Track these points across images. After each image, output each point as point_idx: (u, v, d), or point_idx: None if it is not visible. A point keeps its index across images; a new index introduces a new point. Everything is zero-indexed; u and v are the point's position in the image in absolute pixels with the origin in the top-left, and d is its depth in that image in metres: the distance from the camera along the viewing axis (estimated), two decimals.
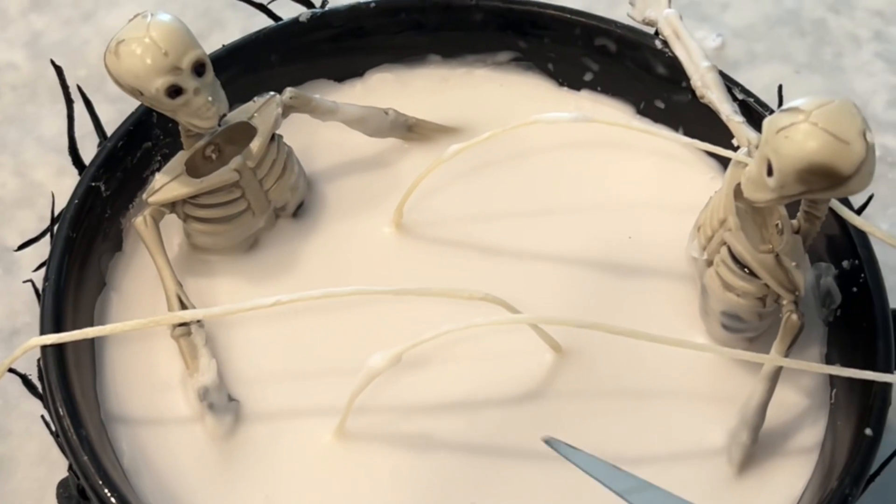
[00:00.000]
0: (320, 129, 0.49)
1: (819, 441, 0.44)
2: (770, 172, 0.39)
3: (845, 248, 0.45)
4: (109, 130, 0.49)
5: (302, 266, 0.48)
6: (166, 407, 0.44)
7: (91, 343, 0.45)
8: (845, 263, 0.45)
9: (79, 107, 0.50)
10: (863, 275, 0.45)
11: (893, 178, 0.61)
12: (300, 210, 0.49)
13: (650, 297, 0.47)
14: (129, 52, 0.42)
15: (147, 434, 0.44)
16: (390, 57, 0.53)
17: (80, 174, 0.48)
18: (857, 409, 0.42)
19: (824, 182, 0.38)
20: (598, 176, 0.50)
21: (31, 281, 0.47)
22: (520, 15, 0.52)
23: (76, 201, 0.46)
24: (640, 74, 0.51)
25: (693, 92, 0.48)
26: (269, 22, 0.52)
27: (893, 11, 0.67)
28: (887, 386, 0.42)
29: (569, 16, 0.51)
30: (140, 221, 0.46)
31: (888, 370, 0.42)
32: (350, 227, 0.49)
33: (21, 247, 0.50)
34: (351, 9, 0.51)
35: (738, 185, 0.42)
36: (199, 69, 0.42)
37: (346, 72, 0.53)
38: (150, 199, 0.45)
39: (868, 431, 0.41)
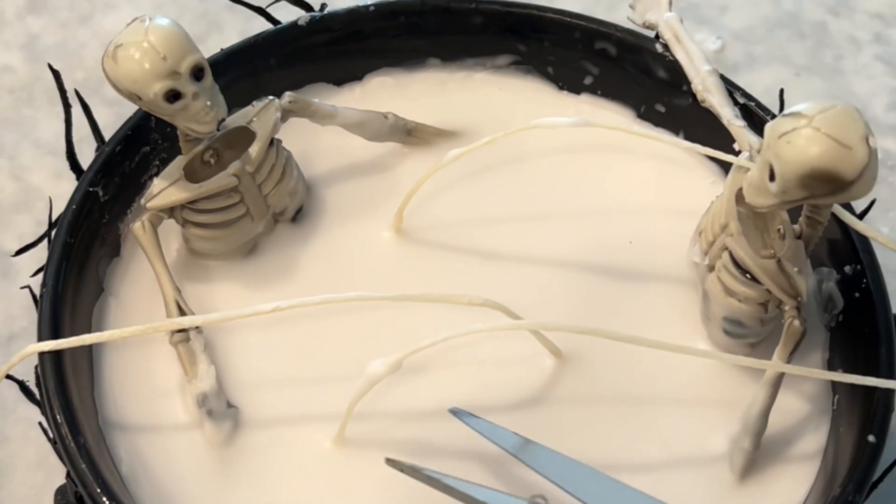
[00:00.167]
0: (319, 133, 0.49)
1: (821, 447, 0.44)
2: (772, 178, 0.39)
3: (847, 253, 0.45)
4: (107, 134, 0.48)
5: (301, 271, 0.47)
6: (165, 413, 0.44)
7: (89, 349, 0.45)
8: (847, 268, 0.45)
9: (76, 110, 0.50)
10: (865, 280, 0.45)
11: (894, 182, 0.61)
12: (299, 215, 0.49)
13: (651, 302, 0.47)
14: (128, 57, 0.41)
15: (145, 441, 0.44)
16: (389, 60, 0.52)
17: (77, 179, 0.47)
18: (859, 415, 0.42)
19: (827, 187, 0.38)
20: (598, 180, 0.50)
21: (28, 287, 0.47)
22: (519, 18, 0.52)
23: (74, 206, 0.46)
24: (641, 78, 0.51)
25: (694, 96, 0.48)
26: (267, 25, 0.52)
27: (893, 14, 0.67)
28: (890, 392, 0.42)
29: (569, 19, 0.51)
30: (138, 227, 0.45)
31: (891, 376, 0.42)
32: (349, 231, 0.48)
33: (18, 252, 0.50)
34: (350, 12, 0.51)
35: (740, 189, 0.42)
36: (197, 74, 0.42)
37: (345, 75, 0.52)
38: (149, 205, 0.45)
39: (871, 438, 0.41)
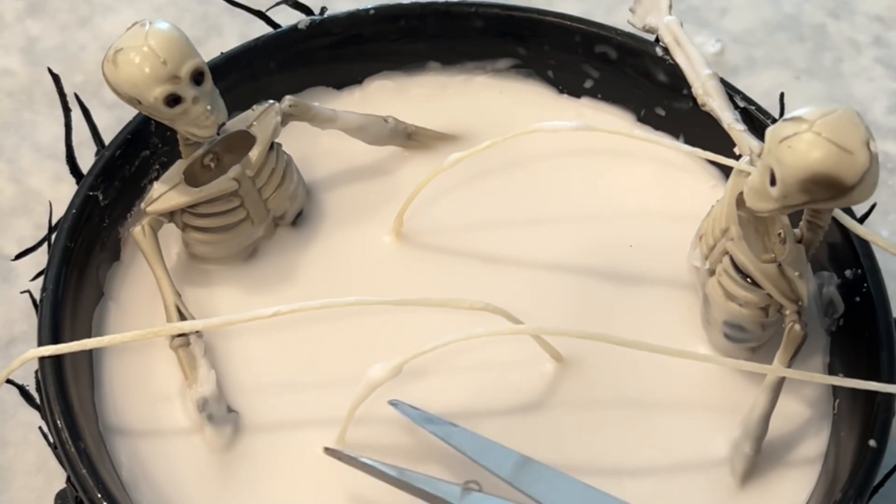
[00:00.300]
0: (319, 137, 0.49)
1: (822, 452, 0.44)
2: (773, 182, 0.39)
3: (848, 257, 0.45)
4: (106, 137, 0.48)
5: (301, 275, 0.47)
6: (165, 418, 0.44)
7: (89, 354, 0.45)
8: (848, 272, 0.45)
9: (75, 113, 0.50)
10: (866, 284, 0.45)
11: (894, 185, 0.61)
12: (299, 219, 0.49)
13: (651, 306, 0.47)
14: (128, 61, 0.41)
15: (146, 445, 0.44)
16: (389, 64, 0.52)
17: (77, 182, 0.47)
18: (860, 419, 0.42)
19: (828, 192, 0.38)
20: (598, 184, 0.50)
21: (28, 291, 0.47)
22: (519, 22, 0.52)
23: (74, 211, 0.46)
24: (641, 82, 0.51)
25: (694, 99, 0.48)
26: (267, 28, 0.52)
27: (893, 16, 0.67)
28: (891, 397, 0.42)
29: (569, 23, 0.51)
30: (138, 231, 0.45)
31: (892, 380, 0.42)
32: (350, 235, 0.48)
33: (18, 256, 0.49)
34: (350, 16, 0.51)
35: (741, 193, 0.42)
36: (197, 78, 0.42)
37: (345, 79, 0.52)
38: (149, 209, 0.45)
39: (872, 443, 0.41)
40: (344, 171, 0.50)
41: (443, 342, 0.41)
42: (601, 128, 0.46)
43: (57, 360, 0.42)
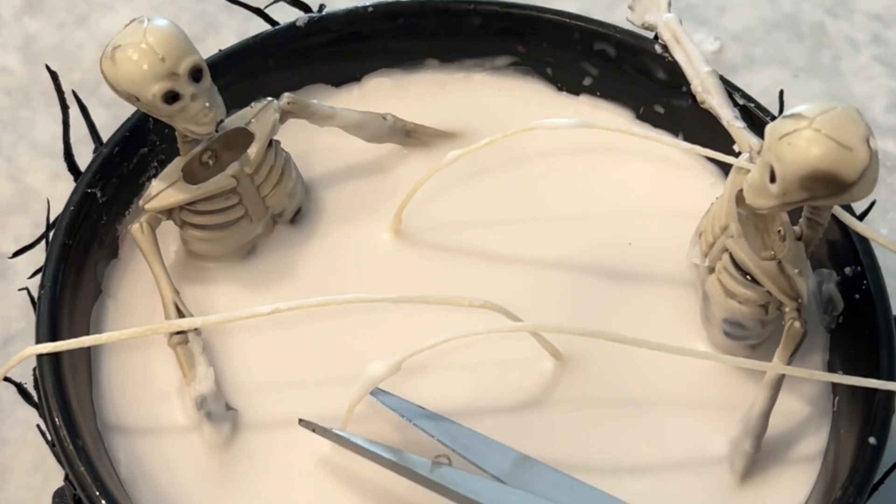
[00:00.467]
0: (318, 134, 0.49)
1: (822, 449, 0.44)
2: (773, 179, 0.39)
3: (847, 255, 0.45)
4: (103, 135, 0.48)
5: (300, 273, 0.47)
6: (163, 416, 0.44)
7: (87, 351, 0.45)
8: (847, 270, 0.45)
9: (73, 111, 0.49)
10: (865, 281, 0.45)
11: (893, 183, 0.61)
12: (298, 216, 0.48)
13: (651, 304, 0.47)
14: (126, 58, 0.41)
15: (144, 443, 0.44)
16: (388, 62, 0.52)
17: (75, 180, 0.47)
18: (860, 417, 0.42)
19: (827, 189, 0.38)
20: (597, 182, 0.50)
21: (26, 289, 0.47)
22: (518, 19, 0.51)
23: (72, 208, 0.45)
24: (640, 79, 0.51)
25: (693, 97, 0.48)
26: (265, 26, 0.52)
27: (892, 15, 0.67)
28: (891, 394, 0.42)
29: (568, 20, 0.51)
30: (136, 228, 0.45)
31: (891, 378, 0.42)
32: (348, 233, 0.48)
33: (16, 254, 0.49)
34: (348, 13, 0.51)
35: (740, 191, 0.42)
36: (196, 75, 0.42)
37: (344, 77, 0.52)
38: (147, 206, 0.45)
39: (872, 440, 0.41)
40: (342, 169, 0.50)
41: (442, 339, 0.41)
42: (600, 125, 0.46)
43: (55, 357, 0.42)
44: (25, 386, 0.45)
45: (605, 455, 0.43)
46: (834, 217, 0.44)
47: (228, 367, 0.45)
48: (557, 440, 0.44)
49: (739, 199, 0.43)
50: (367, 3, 0.51)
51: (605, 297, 0.47)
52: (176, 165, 0.45)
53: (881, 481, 0.43)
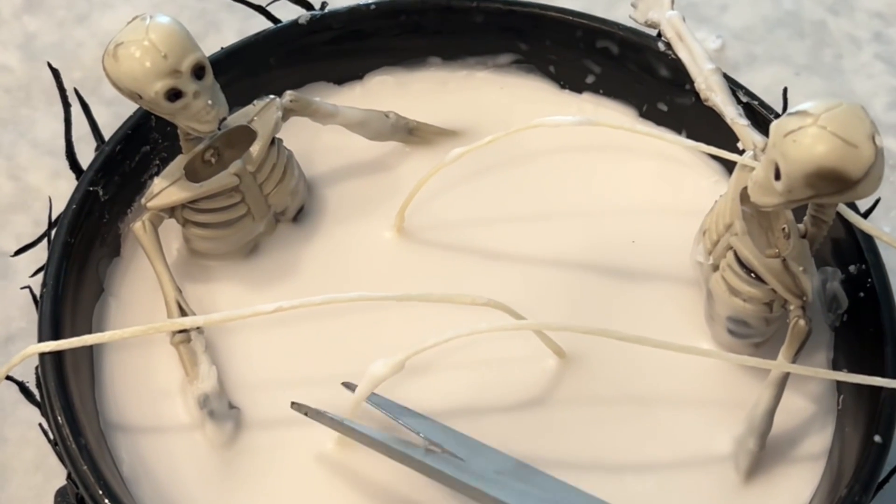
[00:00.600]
0: (320, 132, 0.49)
1: (827, 448, 0.44)
2: (777, 176, 0.39)
3: (852, 253, 0.45)
4: (105, 133, 0.48)
5: (302, 271, 0.47)
6: (166, 414, 0.44)
7: (89, 350, 0.45)
8: (852, 268, 0.45)
9: (74, 110, 0.49)
10: (870, 279, 0.44)
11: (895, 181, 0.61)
12: (300, 214, 0.48)
13: (654, 302, 0.47)
14: (128, 55, 0.41)
15: (146, 442, 0.43)
16: (390, 59, 0.52)
17: (77, 178, 0.47)
18: (865, 415, 0.42)
19: (833, 186, 0.38)
20: (600, 179, 0.50)
21: (28, 287, 0.47)
22: (521, 17, 0.51)
23: (74, 206, 0.45)
24: (643, 77, 0.51)
25: (696, 94, 0.48)
26: (266, 24, 0.52)
27: (893, 13, 0.66)
28: None
29: (571, 18, 0.51)
30: (139, 226, 0.45)
31: None
32: (351, 231, 0.48)
33: (18, 252, 0.49)
34: (350, 11, 0.51)
35: (745, 188, 0.42)
36: (198, 72, 0.42)
37: (346, 74, 0.52)
38: (149, 204, 0.45)
39: (877, 438, 0.41)
40: (345, 167, 0.50)
41: (445, 338, 0.41)
42: (603, 122, 0.46)
43: (57, 356, 0.42)
44: (27, 385, 0.45)
45: (608, 454, 0.43)
46: (838, 215, 0.44)
47: (231, 366, 0.45)
48: (561, 439, 0.43)
49: (744, 196, 0.42)
50: (369, 1, 0.51)
51: (608, 296, 0.47)
52: (178, 163, 0.45)
53: (886, 480, 0.42)
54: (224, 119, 0.44)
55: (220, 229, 0.46)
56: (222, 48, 0.49)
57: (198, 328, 0.44)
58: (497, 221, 0.49)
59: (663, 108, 0.51)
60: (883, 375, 0.42)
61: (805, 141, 0.38)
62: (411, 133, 0.50)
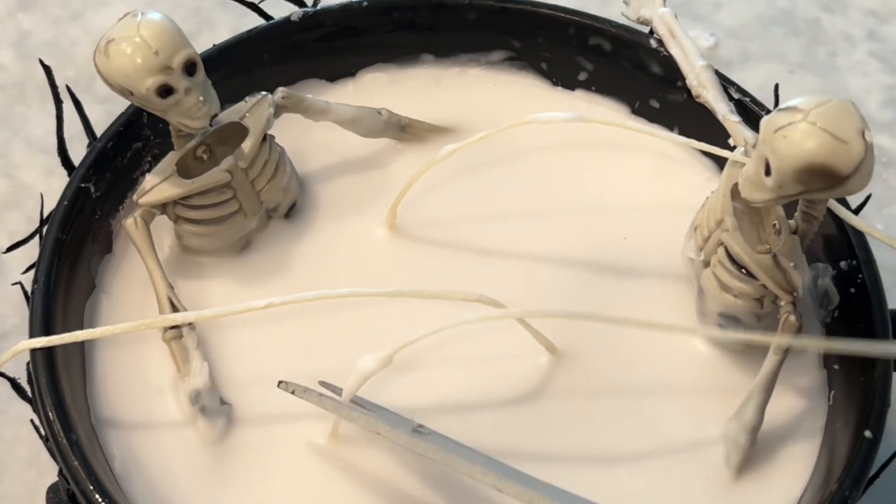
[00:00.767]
0: (312, 129, 0.49)
1: (818, 443, 0.44)
2: (768, 172, 0.39)
3: (843, 249, 0.45)
4: (98, 131, 0.48)
5: (294, 267, 0.47)
6: (157, 411, 0.44)
7: (81, 346, 0.45)
8: (843, 264, 0.45)
9: (67, 107, 0.49)
10: (860, 275, 0.44)
11: (888, 178, 0.61)
12: (292, 211, 0.48)
13: (646, 299, 0.46)
14: (119, 52, 0.41)
15: (138, 438, 0.43)
16: (383, 56, 0.52)
17: (69, 175, 0.47)
18: (855, 410, 0.42)
19: (823, 182, 0.38)
20: (592, 176, 0.50)
21: (20, 283, 0.47)
22: (513, 14, 0.51)
23: (65, 203, 0.45)
24: (635, 74, 0.51)
25: (688, 91, 0.48)
26: (260, 21, 0.52)
27: (887, 11, 0.67)
28: (886, 387, 0.42)
29: (563, 15, 0.51)
30: (130, 223, 0.45)
31: (887, 371, 0.42)
32: (343, 228, 0.48)
33: (10, 248, 0.49)
34: (343, 8, 0.51)
35: (735, 185, 0.42)
36: (190, 68, 0.42)
37: (339, 71, 0.52)
38: (141, 201, 0.45)
39: (867, 434, 0.41)
40: (337, 164, 0.50)
41: (432, 331, 0.41)
42: (595, 119, 0.46)
43: (48, 352, 0.42)
44: (19, 381, 0.45)
45: (600, 449, 0.43)
46: (829, 211, 0.44)
47: (223, 362, 0.45)
48: (552, 435, 0.43)
49: (735, 192, 0.42)
50: None
51: (600, 292, 0.47)
52: (170, 160, 0.45)
53: (877, 475, 0.42)
54: (216, 115, 0.44)
55: (211, 226, 0.46)
56: (214, 45, 0.50)
57: (189, 324, 0.44)
58: (489, 218, 0.49)
59: (655, 104, 0.51)
60: (872, 370, 0.42)
61: (795, 136, 0.38)
62: (404, 130, 0.50)
